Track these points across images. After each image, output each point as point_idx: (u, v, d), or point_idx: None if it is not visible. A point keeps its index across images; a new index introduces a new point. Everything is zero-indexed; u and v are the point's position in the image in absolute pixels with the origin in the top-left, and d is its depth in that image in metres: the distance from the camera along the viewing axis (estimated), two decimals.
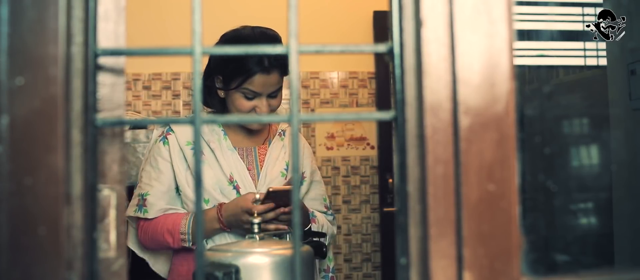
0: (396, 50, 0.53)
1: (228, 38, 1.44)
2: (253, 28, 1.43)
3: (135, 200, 1.43)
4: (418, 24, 0.52)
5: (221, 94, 1.45)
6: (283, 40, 1.65)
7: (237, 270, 0.88)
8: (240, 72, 1.36)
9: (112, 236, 0.55)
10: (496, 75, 0.52)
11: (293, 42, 0.51)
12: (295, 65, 0.51)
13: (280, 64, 1.39)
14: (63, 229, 0.47)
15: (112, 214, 0.55)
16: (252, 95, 1.39)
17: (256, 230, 1.02)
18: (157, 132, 1.49)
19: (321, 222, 1.48)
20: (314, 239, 1.19)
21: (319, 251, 1.13)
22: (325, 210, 1.57)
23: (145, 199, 1.40)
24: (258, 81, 1.36)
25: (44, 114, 0.47)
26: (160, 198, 1.40)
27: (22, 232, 0.46)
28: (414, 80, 0.52)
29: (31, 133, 0.46)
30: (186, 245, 1.37)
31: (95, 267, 0.53)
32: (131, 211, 1.42)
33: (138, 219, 1.42)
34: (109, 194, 0.55)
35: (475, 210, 0.51)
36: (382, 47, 0.54)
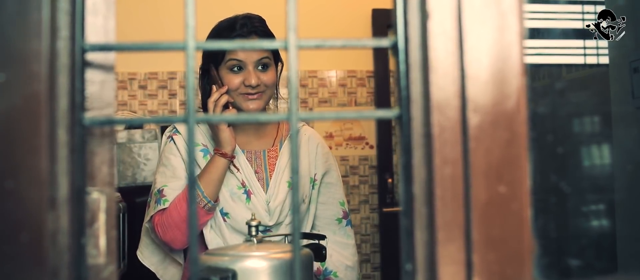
0: (400, 44, 0.51)
1: (211, 32, 1.43)
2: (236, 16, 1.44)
3: (152, 201, 1.40)
4: (424, 16, 0.49)
5: (215, 88, 1.41)
6: (281, 36, 1.61)
7: (234, 275, 0.85)
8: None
9: (102, 241, 0.52)
10: (507, 70, 0.49)
11: (292, 37, 0.48)
12: (294, 61, 0.48)
13: (259, 30, 1.39)
14: (47, 235, 0.44)
15: (101, 218, 0.53)
16: (238, 67, 1.37)
17: (254, 232, 0.99)
18: (165, 136, 1.47)
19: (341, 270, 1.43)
20: (313, 242, 1.17)
21: (319, 254, 1.11)
22: (342, 217, 1.51)
23: (162, 191, 1.37)
24: None
25: (26, 112, 0.44)
26: (177, 189, 1.37)
27: (3, 239, 0.43)
28: (420, 76, 0.49)
29: (13, 133, 0.43)
30: (204, 205, 1.32)
31: (84, 275, 0.50)
32: (152, 211, 1.38)
33: (152, 219, 1.37)
34: (98, 197, 0.52)
35: (485, 213, 0.48)
36: (385, 42, 0.51)
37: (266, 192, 1.40)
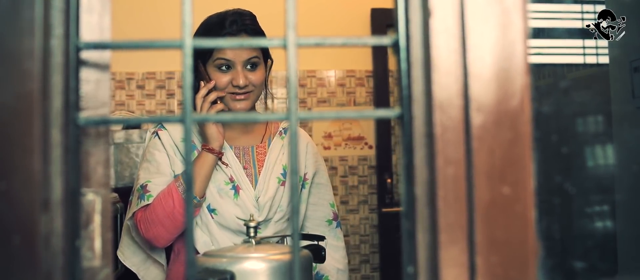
0: (402, 42, 0.49)
1: (200, 27, 1.41)
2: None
3: (135, 197, 1.37)
4: (426, 13, 0.48)
5: (203, 84, 1.39)
6: (280, 33, 1.61)
7: (232, 277, 0.84)
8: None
9: (97, 244, 0.51)
10: (510, 68, 0.48)
11: (291, 34, 0.47)
12: (293, 60, 0.47)
13: (249, 28, 1.37)
14: (40, 238, 0.43)
15: (97, 219, 0.52)
16: (226, 66, 1.35)
17: (252, 234, 0.98)
18: (149, 132, 1.45)
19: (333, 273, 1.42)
20: (312, 243, 1.15)
21: (318, 255, 1.10)
22: (333, 218, 1.49)
23: (145, 186, 1.34)
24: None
25: (18, 111, 0.43)
26: (161, 185, 1.34)
27: None
28: (422, 75, 0.48)
29: (4, 133, 0.42)
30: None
31: (78, 278, 0.49)
32: (134, 207, 1.35)
33: (135, 215, 1.36)
34: (93, 199, 0.51)
35: (488, 215, 0.47)
36: (386, 40, 0.50)
37: (255, 188, 1.38)
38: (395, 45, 0.50)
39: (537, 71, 2.13)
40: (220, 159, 1.35)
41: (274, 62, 1.49)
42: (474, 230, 0.47)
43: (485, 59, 0.48)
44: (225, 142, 1.40)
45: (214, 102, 1.33)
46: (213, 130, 1.32)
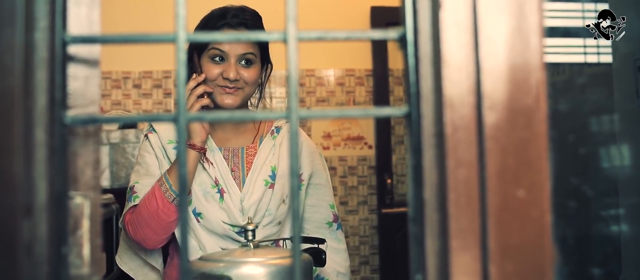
0: (409, 36, 0.47)
1: (204, 17, 1.39)
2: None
3: (126, 200, 1.36)
4: (436, 5, 0.45)
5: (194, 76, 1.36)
6: (279, 28, 1.58)
7: None
8: (206, 30, 1.33)
9: (86, 250, 0.48)
10: (525, 64, 0.45)
11: (291, 27, 0.44)
12: (294, 54, 0.44)
13: (250, 23, 1.35)
14: (22, 245, 0.40)
15: (85, 224, 0.49)
16: (220, 58, 1.32)
17: (250, 237, 0.95)
18: (142, 134, 1.43)
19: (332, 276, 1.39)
20: (312, 246, 1.13)
21: (318, 259, 1.07)
22: (333, 220, 1.45)
23: (133, 188, 1.33)
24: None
25: None
26: (148, 186, 1.32)
27: None
28: (431, 71, 0.45)
29: None
30: (173, 199, 1.26)
31: None
32: (126, 209, 1.34)
33: (124, 217, 1.34)
34: (81, 202, 0.48)
35: (502, 220, 0.44)
36: (392, 34, 0.47)
37: (242, 191, 1.35)
38: (402, 40, 0.47)
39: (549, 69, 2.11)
40: (204, 154, 1.31)
41: (273, 68, 1.46)
42: (487, 236, 0.44)
43: (498, 53, 0.45)
44: (213, 144, 1.37)
45: (201, 96, 1.29)
46: (195, 125, 1.28)
